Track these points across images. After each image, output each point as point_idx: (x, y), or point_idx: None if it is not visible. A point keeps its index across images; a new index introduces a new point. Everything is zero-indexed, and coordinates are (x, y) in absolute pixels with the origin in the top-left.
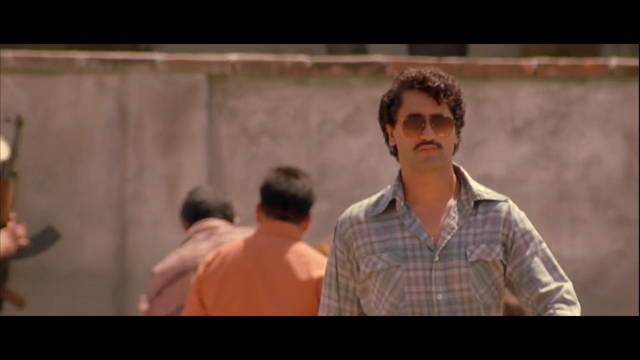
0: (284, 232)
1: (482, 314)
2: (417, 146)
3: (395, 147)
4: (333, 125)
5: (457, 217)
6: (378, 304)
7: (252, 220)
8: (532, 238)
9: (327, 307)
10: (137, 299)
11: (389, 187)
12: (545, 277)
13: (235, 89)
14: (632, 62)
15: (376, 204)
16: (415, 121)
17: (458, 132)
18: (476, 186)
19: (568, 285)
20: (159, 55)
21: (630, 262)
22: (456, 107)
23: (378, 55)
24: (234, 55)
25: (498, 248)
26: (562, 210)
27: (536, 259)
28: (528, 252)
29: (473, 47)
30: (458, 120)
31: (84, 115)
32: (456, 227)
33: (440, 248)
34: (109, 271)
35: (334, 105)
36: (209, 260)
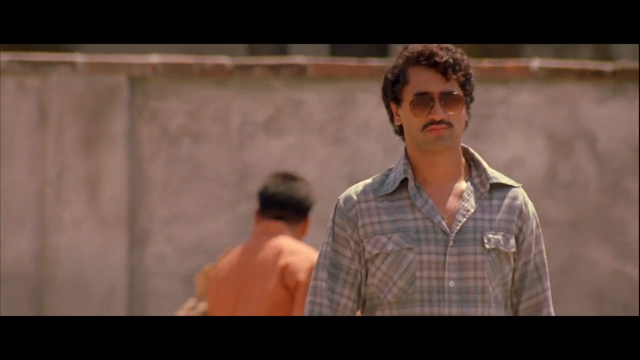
0: (275, 231)
1: (493, 307)
2: (425, 126)
3: (400, 126)
4: (254, 126)
5: (471, 200)
6: (383, 288)
7: (176, 222)
8: (539, 236)
9: (314, 288)
10: (57, 301)
11: (391, 167)
12: (537, 286)
13: (156, 90)
14: (554, 63)
15: (382, 182)
16: (423, 100)
17: (468, 109)
18: (490, 169)
19: (549, 297)
20: (79, 57)
21: (554, 262)
22: (466, 83)
23: (299, 56)
24: (154, 57)
25: (513, 240)
26: None
27: (537, 262)
28: (532, 254)
29: (394, 49)
30: (468, 96)
31: (4, 116)
32: (471, 210)
33: (455, 232)
34: (29, 273)
35: (255, 107)
36: (219, 265)
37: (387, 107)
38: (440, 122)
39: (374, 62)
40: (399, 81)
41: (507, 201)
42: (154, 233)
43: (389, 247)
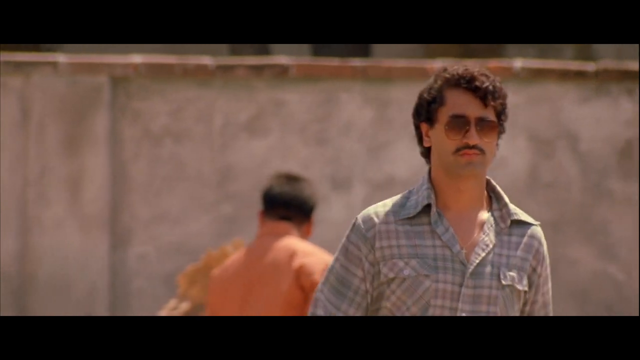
0: (282, 231)
1: None
2: (458, 150)
3: (428, 148)
4: (236, 127)
5: (491, 234)
6: (396, 312)
7: (158, 222)
8: (547, 278)
9: (316, 301)
10: (39, 301)
11: (412, 188)
12: None
13: (139, 91)
14: (537, 63)
15: (402, 205)
16: (460, 123)
17: (498, 140)
18: (511, 204)
19: None
20: (61, 57)
21: None
22: (502, 112)
23: (281, 56)
24: (137, 57)
25: (526, 279)
26: None
27: (542, 302)
28: (540, 295)
29: (377, 49)
30: (501, 126)
31: None
32: (490, 245)
33: (474, 264)
34: (11, 273)
35: (238, 107)
36: (224, 265)
37: (417, 127)
38: (474, 147)
39: (356, 62)
40: (435, 101)
41: (525, 239)
42: (136, 233)
43: (406, 272)
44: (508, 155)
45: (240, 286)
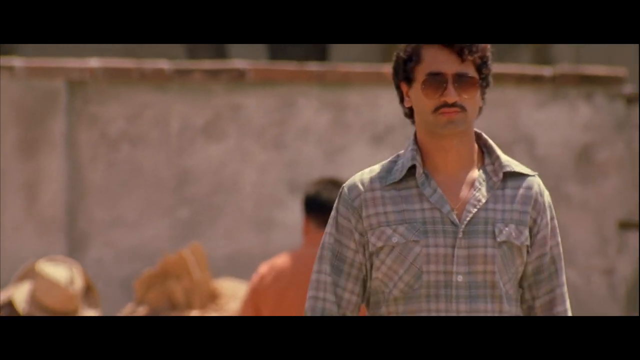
0: None
1: (504, 303)
2: (437, 108)
3: (410, 108)
4: (193, 131)
5: (483, 189)
6: (389, 282)
7: (115, 226)
8: (554, 228)
9: (317, 282)
10: None
11: (399, 152)
12: (553, 280)
13: (95, 95)
14: (493, 67)
15: (389, 170)
16: (436, 80)
17: (483, 94)
18: (504, 156)
19: (566, 292)
20: (17, 61)
21: None
22: (482, 66)
23: (238, 60)
24: (93, 61)
25: (526, 232)
26: None
27: (553, 255)
28: (548, 246)
29: (333, 53)
30: (484, 80)
31: None
32: (482, 201)
33: (465, 223)
34: None
35: (194, 111)
36: (263, 273)
37: (397, 87)
38: (453, 105)
39: (314, 66)
40: (411, 59)
41: (521, 191)
42: (93, 237)
43: (394, 239)
44: None
45: (302, 295)
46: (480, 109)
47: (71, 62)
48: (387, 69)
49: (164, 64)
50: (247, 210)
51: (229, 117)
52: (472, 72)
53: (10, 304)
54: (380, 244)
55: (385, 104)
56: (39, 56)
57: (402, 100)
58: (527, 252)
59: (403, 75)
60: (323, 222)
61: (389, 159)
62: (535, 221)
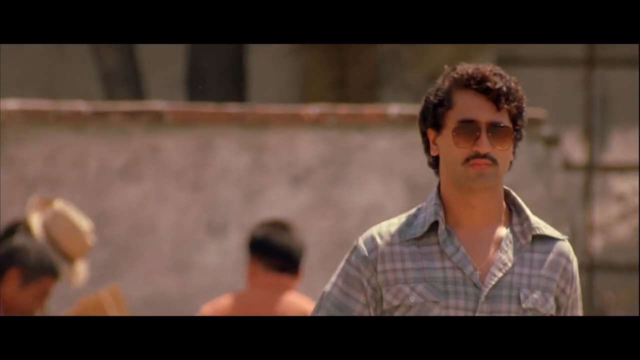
0: (281, 284)
1: None
2: (467, 159)
3: (436, 157)
4: (111, 172)
5: (509, 252)
6: None
7: None
8: (577, 299)
9: None
10: None
11: (421, 205)
12: None
13: (13, 136)
14: (412, 109)
15: (409, 224)
16: (469, 129)
17: (515, 147)
18: (534, 217)
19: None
20: None
21: None
22: (517, 116)
23: (156, 101)
24: (11, 103)
25: (552, 300)
26: (341, 259)
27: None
28: (569, 314)
29: (253, 94)
30: (517, 132)
31: None
32: (509, 265)
33: (489, 287)
34: None
35: (113, 153)
36: (206, 313)
37: (424, 134)
38: (485, 156)
39: (232, 107)
40: (442, 104)
41: (550, 256)
42: None
43: (412, 299)
44: (384, 201)
45: None
46: (511, 163)
47: None
48: (305, 110)
49: (81, 106)
50: (166, 252)
51: (148, 158)
52: (506, 121)
53: (26, 228)
54: (396, 303)
55: (304, 145)
56: None
57: (427, 148)
58: None
59: (432, 120)
60: (272, 265)
61: (408, 212)
62: (563, 291)
